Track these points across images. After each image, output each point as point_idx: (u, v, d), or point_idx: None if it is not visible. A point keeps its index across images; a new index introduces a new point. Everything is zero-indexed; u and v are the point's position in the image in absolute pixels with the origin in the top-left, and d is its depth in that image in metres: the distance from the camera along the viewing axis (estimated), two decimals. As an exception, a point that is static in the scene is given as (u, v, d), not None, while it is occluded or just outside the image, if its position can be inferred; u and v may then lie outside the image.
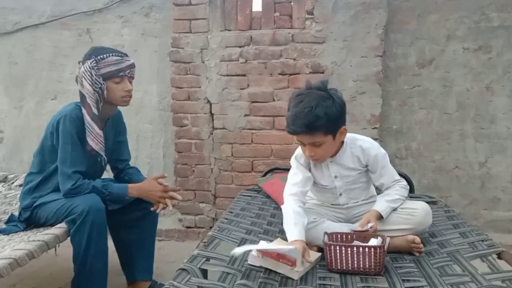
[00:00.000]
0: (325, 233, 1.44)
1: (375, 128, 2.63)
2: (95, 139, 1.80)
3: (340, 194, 1.64)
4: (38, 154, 1.89)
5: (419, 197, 2.20)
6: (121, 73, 1.82)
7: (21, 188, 1.98)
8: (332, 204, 1.66)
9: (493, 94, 2.70)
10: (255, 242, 1.56)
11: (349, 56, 2.64)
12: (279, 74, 2.71)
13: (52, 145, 1.82)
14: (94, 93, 1.78)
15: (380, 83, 2.63)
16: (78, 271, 1.73)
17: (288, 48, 2.68)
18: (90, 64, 1.77)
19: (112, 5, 2.94)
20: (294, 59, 2.68)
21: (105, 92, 1.80)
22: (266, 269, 1.34)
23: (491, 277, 1.26)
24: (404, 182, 1.64)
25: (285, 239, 1.59)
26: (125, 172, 2.09)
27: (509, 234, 2.66)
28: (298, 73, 2.69)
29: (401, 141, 2.80)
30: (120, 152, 2.09)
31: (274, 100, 2.73)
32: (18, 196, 2.02)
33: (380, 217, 1.51)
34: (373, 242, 1.38)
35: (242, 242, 1.59)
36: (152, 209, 1.93)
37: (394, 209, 1.55)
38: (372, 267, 1.31)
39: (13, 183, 2.53)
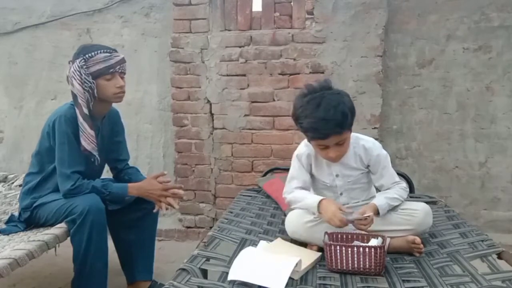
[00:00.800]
0: (326, 232, 1.44)
1: (375, 128, 2.63)
2: (87, 139, 1.78)
3: (341, 194, 1.64)
4: (36, 154, 1.89)
5: (419, 197, 2.20)
6: (111, 70, 1.79)
7: (21, 188, 1.98)
8: None
9: (493, 94, 2.70)
10: (255, 242, 1.56)
11: (349, 56, 2.64)
12: (279, 74, 2.71)
13: (49, 146, 1.81)
14: (85, 93, 1.77)
15: (380, 83, 2.63)
16: (78, 271, 1.73)
17: (288, 48, 2.68)
18: (79, 63, 1.75)
19: (112, 5, 2.94)
20: (294, 59, 2.68)
21: (95, 91, 1.78)
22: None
23: (491, 277, 1.26)
24: (404, 184, 1.64)
25: (286, 239, 1.60)
26: (124, 172, 2.09)
27: (509, 234, 2.66)
28: (298, 73, 2.69)
29: (401, 141, 2.80)
30: (119, 152, 2.08)
31: (274, 100, 2.73)
32: (18, 196, 2.02)
33: (377, 212, 1.50)
34: (374, 242, 1.38)
35: (242, 242, 1.59)
36: (154, 210, 1.92)
37: (394, 210, 1.55)
38: (372, 267, 1.31)
39: (13, 183, 2.53)
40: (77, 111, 1.78)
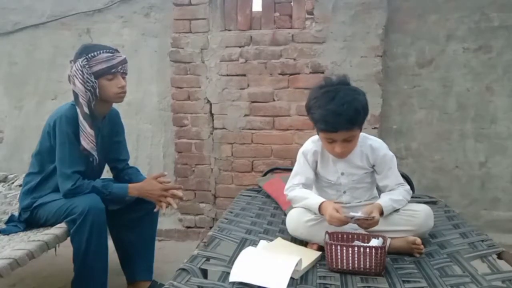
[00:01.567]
0: (326, 232, 1.44)
1: (375, 128, 2.63)
2: (86, 139, 1.78)
3: (344, 192, 1.65)
4: (36, 154, 1.89)
5: (419, 197, 2.20)
6: (113, 70, 1.80)
7: (21, 188, 1.98)
8: (335, 202, 1.66)
9: (493, 94, 2.70)
10: (256, 242, 1.56)
11: (349, 56, 2.64)
12: (279, 74, 2.71)
13: (50, 146, 1.81)
14: (86, 92, 1.77)
15: (380, 83, 2.63)
16: (78, 271, 1.73)
17: (288, 48, 2.68)
18: (81, 62, 1.75)
19: (112, 5, 2.94)
20: (294, 59, 2.68)
21: (97, 90, 1.78)
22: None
23: (491, 278, 1.26)
24: (408, 187, 1.65)
25: (286, 239, 1.60)
26: (124, 172, 2.09)
27: (509, 234, 2.66)
28: (298, 73, 2.69)
29: (401, 141, 2.80)
30: (119, 152, 2.08)
31: (274, 100, 2.73)
32: (18, 196, 2.02)
33: (381, 212, 1.50)
34: (374, 242, 1.38)
35: (242, 242, 1.59)
36: (155, 210, 1.92)
37: (396, 210, 1.55)
38: (373, 267, 1.31)
39: (13, 183, 2.53)
40: (78, 111, 1.78)
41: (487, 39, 2.66)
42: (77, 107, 1.79)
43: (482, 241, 1.57)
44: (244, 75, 2.75)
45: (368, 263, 1.31)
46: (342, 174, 1.63)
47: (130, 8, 2.94)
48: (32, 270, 2.24)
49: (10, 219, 1.91)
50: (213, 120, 2.82)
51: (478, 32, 2.67)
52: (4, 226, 1.87)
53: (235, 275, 1.25)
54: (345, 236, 1.47)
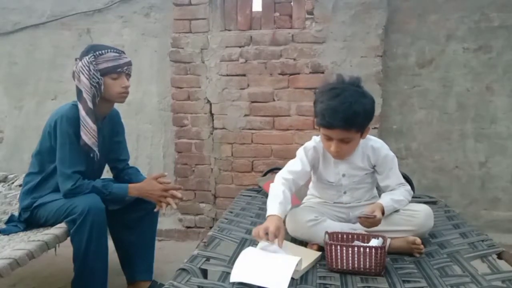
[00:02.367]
0: (326, 232, 1.44)
1: (375, 128, 2.63)
2: (88, 134, 1.78)
3: (345, 192, 1.65)
4: (36, 154, 1.89)
5: (419, 197, 2.19)
6: (119, 69, 1.82)
7: (21, 188, 1.98)
8: (334, 202, 1.67)
9: (493, 94, 2.70)
10: (255, 242, 1.56)
11: (349, 56, 2.64)
12: (279, 74, 2.71)
13: (50, 146, 1.81)
14: (91, 87, 1.78)
15: (380, 83, 2.63)
16: (78, 271, 1.73)
17: (288, 48, 2.68)
18: (89, 59, 1.77)
19: (112, 5, 2.94)
20: (294, 59, 2.68)
21: (102, 87, 1.80)
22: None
23: (491, 278, 1.26)
24: (409, 187, 1.64)
25: (286, 239, 1.60)
26: (124, 172, 2.09)
27: (509, 234, 2.66)
28: (298, 73, 2.69)
29: (401, 141, 2.80)
30: (119, 152, 2.08)
31: (274, 100, 2.73)
32: (18, 196, 2.02)
33: (382, 212, 1.50)
34: (374, 242, 1.38)
35: (242, 242, 1.59)
36: (155, 210, 1.93)
37: (396, 210, 1.55)
38: (373, 267, 1.31)
39: (13, 183, 2.53)
40: (80, 106, 1.78)
41: (487, 39, 2.66)
42: (79, 104, 1.79)
43: (482, 241, 1.57)
44: (244, 75, 2.75)
45: (368, 263, 1.31)
46: (344, 175, 1.62)
47: (130, 8, 2.94)
48: (32, 270, 2.24)
49: (10, 219, 1.91)
50: (213, 120, 2.82)
51: (478, 32, 2.67)
52: (4, 226, 1.87)
53: (236, 276, 1.25)
54: (345, 236, 1.47)
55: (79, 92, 1.80)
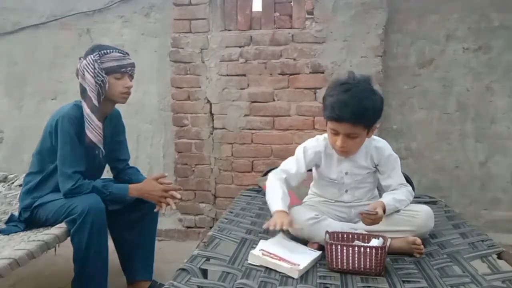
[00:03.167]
0: (327, 232, 1.44)
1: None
2: (94, 131, 1.79)
3: (346, 191, 1.65)
4: (37, 154, 1.89)
5: (419, 197, 2.19)
6: (122, 69, 1.84)
7: (21, 188, 1.97)
8: (335, 201, 1.67)
9: (493, 94, 2.70)
10: (256, 242, 1.56)
11: (349, 56, 2.64)
12: (279, 74, 2.71)
13: (51, 146, 1.81)
14: (96, 85, 1.78)
15: (380, 83, 2.62)
16: (78, 271, 1.73)
17: (288, 48, 2.68)
18: (94, 57, 1.78)
19: (112, 5, 2.94)
20: (294, 59, 2.68)
21: (106, 85, 1.81)
22: (266, 268, 1.34)
23: (491, 278, 1.26)
24: (411, 188, 1.65)
25: (285, 238, 1.60)
26: (124, 172, 2.09)
27: (509, 234, 2.66)
28: (298, 73, 2.69)
29: (401, 141, 2.80)
30: (120, 152, 2.08)
31: (274, 100, 2.73)
32: (18, 196, 2.02)
33: (384, 210, 1.50)
34: (374, 242, 1.38)
35: (242, 241, 1.59)
36: (155, 210, 1.93)
37: (397, 210, 1.55)
38: (373, 267, 1.31)
39: (13, 183, 2.53)
40: (84, 105, 1.79)
41: (487, 39, 2.66)
42: (83, 102, 1.79)
43: (482, 241, 1.57)
44: (244, 75, 2.75)
45: (368, 263, 1.31)
46: (346, 173, 1.63)
47: (130, 8, 2.94)
48: (32, 270, 2.24)
49: (10, 219, 1.91)
50: (213, 120, 2.82)
51: (478, 32, 2.67)
52: (4, 226, 1.87)
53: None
54: (345, 236, 1.47)
55: (83, 90, 1.80)
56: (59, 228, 1.71)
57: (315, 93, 2.67)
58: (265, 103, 2.74)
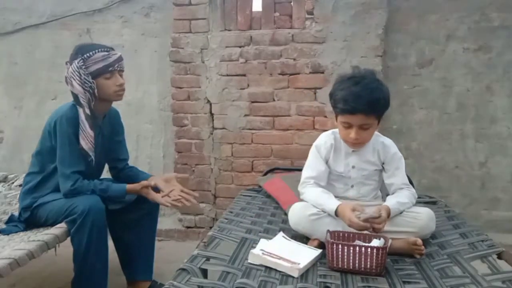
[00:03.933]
0: (328, 231, 1.44)
1: (375, 128, 2.63)
2: (85, 139, 1.78)
3: (352, 186, 1.66)
4: (37, 154, 1.89)
5: (419, 197, 2.18)
6: (110, 68, 1.79)
7: (21, 188, 1.97)
8: (341, 197, 1.67)
9: (493, 94, 2.70)
10: (256, 241, 1.56)
11: (349, 56, 2.64)
12: (279, 74, 2.71)
13: (51, 146, 1.81)
14: (85, 93, 1.76)
15: (380, 83, 2.62)
16: (78, 271, 1.73)
17: (288, 48, 2.68)
18: (78, 63, 1.75)
19: (112, 5, 2.94)
20: (294, 59, 2.68)
21: (95, 90, 1.78)
22: (266, 267, 1.34)
23: (491, 278, 1.26)
24: (414, 190, 1.65)
25: (286, 237, 1.60)
26: (124, 172, 2.09)
27: (509, 234, 2.66)
28: (298, 73, 2.69)
29: (401, 141, 2.79)
30: (119, 152, 2.08)
31: (274, 100, 2.73)
32: (18, 196, 2.02)
33: (388, 214, 1.50)
34: (375, 242, 1.38)
35: (242, 241, 1.59)
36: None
37: (400, 213, 1.56)
38: (374, 267, 1.31)
39: (13, 183, 2.53)
40: (80, 111, 1.78)
41: (487, 39, 2.66)
42: (78, 107, 1.79)
43: (482, 241, 1.57)
44: (244, 75, 2.75)
45: (369, 263, 1.31)
46: (353, 167, 1.64)
47: (130, 8, 2.94)
48: (32, 270, 2.24)
49: (10, 219, 1.91)
50: (213, 120, 2.81)
51: (478, 32, 2.67)
52: (4, 226, 1.87)
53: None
54: (346, 235, 1.47)
55: (75, 97, 1.79)
56: (59, 228, 1.71)
57: (315, 93, 2.67)
58: (265, 103, 2.74)
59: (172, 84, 2.84)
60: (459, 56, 2.70)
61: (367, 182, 1.66)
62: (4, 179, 2.59)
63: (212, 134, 2.83)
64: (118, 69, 1.83)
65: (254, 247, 1.47)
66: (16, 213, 1.93)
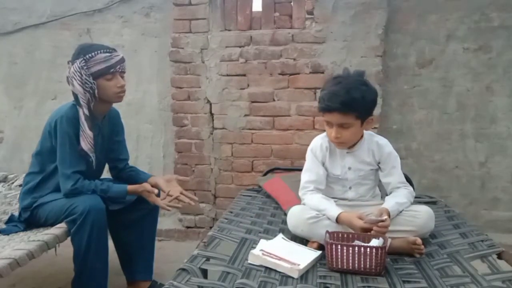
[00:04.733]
0: (327, 231, 1.44)
1: (375, 128, 2.62)
2: (85, 139, 1.78)
3: (350, 188, 1.67)
4: (37, 154, 1.89)
5: (419, 197, 2.19)
6: (112, 69, 1.79)
7: (21, 188, 1.97)
8: (339, 199, 1.67)
9: (493, 94, 2.69)
10: (256, 242, 1.56)
11: (349, 56, 2.64)
12: (279, 74, 2.71)
13: (51, 146, 1.81)
14: (85, 93, 1.76)
15: (380, 83, 2.63)
16: (78, 271, 1.73)
17: (288, 48, 2.68)
18: (79, 64, 1.74)
19: (112, 5, 2.94)
20: (294, 59, 2.68)
21: (96, 91, 1.78)
22: (266, 268, 1.34)
23: (491, 278, 1.26)
24: (411, 188, 1.66)
25: (286, 238, 1.60)
26: (124, 172, 2.09)
27: (509, 234, 2.66)
28: (298, 73, 2.69)
29: (401, 141, 2.80)
30: (119, 152, 2.08)
31: (274, 100, 2.73)
32: (18, 196, 2.02)
33: (388, 215, 1.50)
34: (374, 242, 1.38)
35: (242, 241, 1.59)
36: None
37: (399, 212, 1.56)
38: (373, 267, 1.31)
39: (13, 183, 2.53)
40: (80, 110, 1.78)
41: (487, 39, 2.66)
42: (78, 108, 1.79)
43: (482, 241, 1.57)
44: (244, 75, 2.75)
45: (368, 263, 1.31)
46: (349, 168, 1.65)
47: (130, 8, 2.94)
48: (32, 270, 2.24)
49: (10, 219, 1.91)
50: (213, 120, 2.82)
51: (478, 32, 2.67)
52: (4, 226, 1.87)
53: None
54: (345, 236, 1.47)
55: (76, 97, 1.79)
56: (59, 228, 1.71)
57: (315, 93, 2.67)
58: (265, 103, 2.74)
59: (172, 84, 2.84)
60: (459, 56, 2.70)
61: (364, 182, 1.67)
62: (4, 179, 2.59)
63: (212, 134, 2.83)
64: (120, 70, 1.83)
65: (254, 248, 1.47)
66: (16, 213, 1.93)
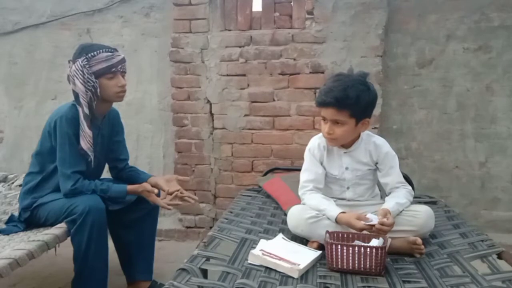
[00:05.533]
0: (327, 231, 1.44)
1: (375, 128, 2.63)
2: (84, 139, 1.78)
3: (348, 188, 1.67)
4: (37, 154, 1.89)
5: (419, 197, 2.20)
6: (113, 69, 1.79)
7: (21, 188, 1.97)
8: (338, 199, 1.67)
9: (493, 94, 2.69)
10: (256, 242, 1.56)
11: (349, 56, 2.64)
12: (279, 74, 2.71)
13: (51, 146, 1.81)
14: (87, 92, 1.77)
15: (380, 83, 2.63)
16: (78, 271, 1.73)
17: (288, 48, 2.68)
18: (81, 62, 1.74)
19: (112, 5, 2.94)
20: (294, 59, 2.68)
21: (98, 90, 1.78)
22: (266, 267, 1.34)
23: (491, 278, 1.26)
24: (410, 188, 1.66)
25: (286, 238, 1.60)
26: (124, 172, 2.09)
27: (509, 234, 2.66)
28: (298, 73, 2.69)
29: (401, 141, 2.80)
30: (119, 152, 2.08)
31: (274, 100, 2.73)
32: (18, 196, 2.02)
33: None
34: (375, 242, 1.38)
35: (242, 241, 1.59)
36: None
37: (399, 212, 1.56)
38: (373, 267, 1.31)
39: (13, 183, 2.53)
40: (80, 109, 1.78)
41: (487, 39, 2.66)
42: (78, 107, 1.79)
43: (482, 241, 1.57)
44: (244, 75, 2.75)
45: (368, 263, 1.31)
46: (347, 168, 1.65)
47: (130, 8, 2.94)
48: (32, 270, 2.24)
49: (10, 219, 1.91)
50: (213, 120, 2.82)
51: (478, 32, 2.67)
52: (4, 226, 1.87)
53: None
54: (345, 236, 1.47)
55: (76, 96, 1.79)
56: (59, 228, 1.71)
57: (315, 93, 2.67)
58: (265, 103, 2.74)
59: (172, 84, 2.84)
60: (459, 56, 2.70)
61: (362, 182, 1.67)
62: (4, 179, 2.58)
63: (212, 134, 2.83)
64: (121, 70, 1.84)
65: (254, 248, 1.47)
66: (16, 213, 1.93)
